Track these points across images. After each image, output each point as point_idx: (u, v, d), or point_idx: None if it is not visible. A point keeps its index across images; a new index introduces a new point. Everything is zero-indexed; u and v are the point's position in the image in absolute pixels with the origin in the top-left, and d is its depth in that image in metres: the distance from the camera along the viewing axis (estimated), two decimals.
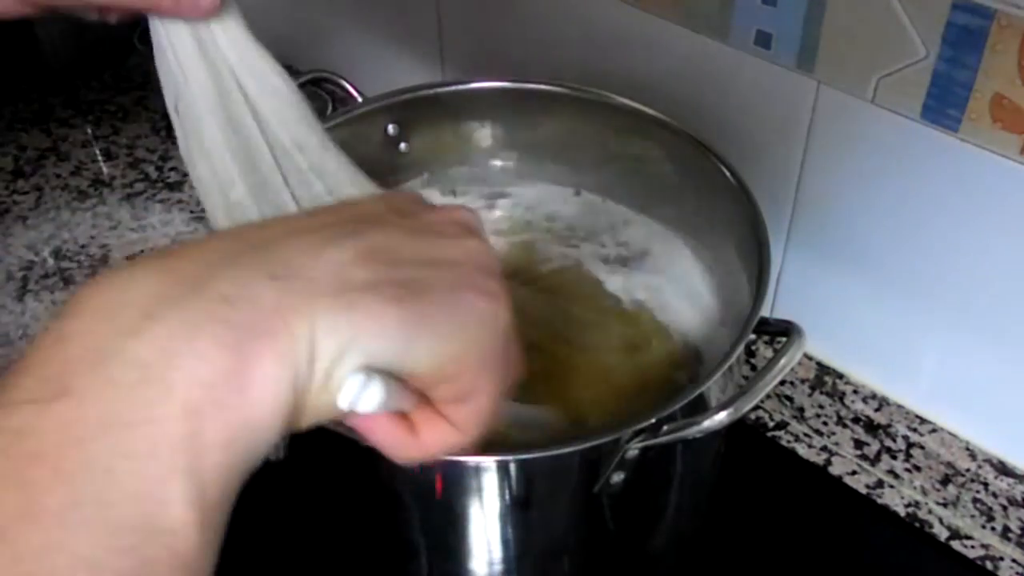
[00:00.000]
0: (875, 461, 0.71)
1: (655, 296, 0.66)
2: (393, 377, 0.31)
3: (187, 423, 0.26)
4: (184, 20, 0.48)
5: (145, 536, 0.25)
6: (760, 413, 0.75)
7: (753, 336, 0.52)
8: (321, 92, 0.67)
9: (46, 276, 0.84)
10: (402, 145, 0.69)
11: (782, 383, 0.72)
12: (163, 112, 0.98)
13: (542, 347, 0.60)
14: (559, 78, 0.67)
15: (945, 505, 0.68)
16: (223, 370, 0.27)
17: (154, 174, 0.94)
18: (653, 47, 0.70)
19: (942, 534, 0.67)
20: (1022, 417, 0.64)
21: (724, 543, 0.66)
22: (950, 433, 0.68)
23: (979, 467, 0.66)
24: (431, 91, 0.68)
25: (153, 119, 1.00)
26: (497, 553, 0.54)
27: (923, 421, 0.68)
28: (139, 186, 0.93)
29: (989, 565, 0.65)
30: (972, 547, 0.66)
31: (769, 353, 0.67)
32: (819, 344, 0.72)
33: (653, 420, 0.48)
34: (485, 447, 0.37)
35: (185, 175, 0.92)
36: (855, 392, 0.70)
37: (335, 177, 0.52)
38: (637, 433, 0.48)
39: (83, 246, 0.87)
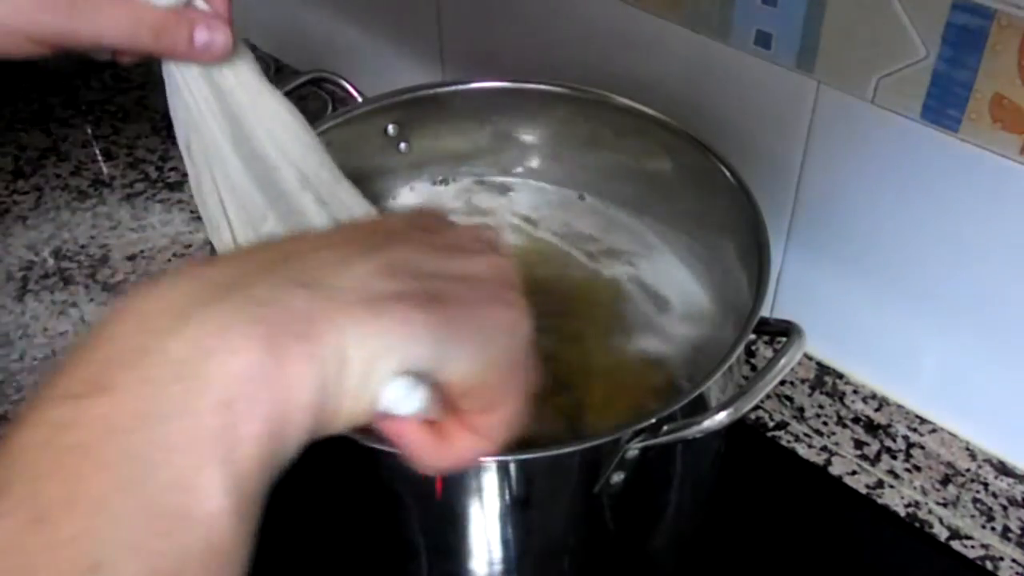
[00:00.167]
0: (875, 461, 0.71)
1: (655, 296, 0.66)
2: (426, 385, 0.32)
3: (221, 416, 0.27)
4: (198, 63, 0.50)
5: (182, 522, 0.26)
6: (760, 413, 0.75)
7: (753, 336, 0.52)
8: (321, 92, 0.67)
9: (46, 276, 0.84)
10: (402, 145, 0.69)
11: (782, 383, 0.72)
12: (163, 112, 0.98)
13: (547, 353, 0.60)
14: (559, 78, 0.67)
15: (945, 505, 0.68)
16: (256, 367, 0.28)
17: (154, 174, 0.94)
18: (653, 47, 0.70)
19: (942, 534, 0.67)
20: (1022, 417, 0.64)
21: (724, 543, 0.66)
22: (950, 433, 0.68)
23: (979, 467, 0.66)
24: (431, 91, 0.68)
25: (153, 119, 1.00)
26: (497, 553, 0.54)
27: (923, 421, 0.68)
28: (139, 186, 0.93)
29: (989, 565, 0.65)
30: (972, 547, 0.66)
31: (769, 353, 0.67)
32: (819, 344, 0.72)
33: (653, 420, 0.48)
34: None
35: (185, 175, 0.92)
36: (855, 392, 0.70)
37: (351, 210, 0.55)
38: (637, 433, 0.48)
39: (83, 246, 0.87)
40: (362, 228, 0.36)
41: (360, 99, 0.66)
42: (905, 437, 0.69)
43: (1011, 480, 0.65)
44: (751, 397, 0.48)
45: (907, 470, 0.69)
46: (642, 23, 0.69)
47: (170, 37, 0.48)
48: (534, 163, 0.71)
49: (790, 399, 0.73)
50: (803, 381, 0.72)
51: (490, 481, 0.49)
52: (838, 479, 0.70)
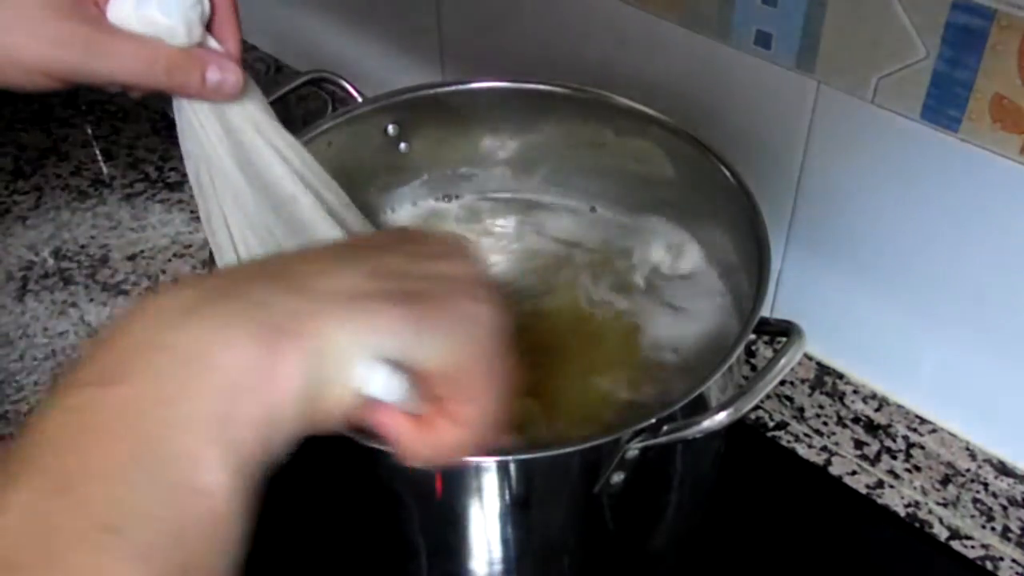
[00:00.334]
0: (875, 461, 0.71)
1: (654, 296, 0.66)
2: (406, 374, 0.35)
3: (221, 401, 0.31)
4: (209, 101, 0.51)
5: (185, 491, 0.30)
6: (760, 413, 0.75)
7: (753, 336, 0.52)
8: (321, 92, 0.67)
9: (46, 276, 0.84)
10: (402, 145, 0.69)
11: (782, 383, 0.72)
12: (163, 112, 0.98)
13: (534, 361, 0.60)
14: (559, 78, 0.67)
15: (945, 505, 0.68)
16: (253, 358, 0.31)
17: (154, 174, 0.94)
18: (653, 47, 0.70)
19: (942, 534, 0.67)
20: (1022, 417, 0.64)
21: (724, 543, 0.66)
22: (950, 433, 0.68)
23: (979, 467, 0.66)
24: (431, 91, 0.68)
25: (153, 119, 1.00)
26: (497, 553, 0.54)
27: (923, 421, 0.68)
28: (139, 186, 0.93)
29: (989, 565, 0.65)
30: (972, 547, 0.66)
31: (769, 353, 0.67)
32: (819, 344, 0.72)
33: (653, 420, 0.48)
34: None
35: (185, 176, 0.92)
36: (855, 392, 0.70)
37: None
38: (637, 433, 0.48)
39: (83, 246, 0.87)
40: (351, 244, 0.41)
41: (360, 99, 0.66)
42: (905, 437, 0.69)
43: (1011, 480, 0.65)
44: (751, 397, 0.48)
45: (907, 470, 0.69)
46: (642, 23, 0.69)
47: (183, 76, 0.50)
48: (533, 163, 0.71)
49: (790, 399, 0.73)
50: (803, 381, 0.72)
51: (490, 481, 0.49)
52: (838, 479, 0.70)
